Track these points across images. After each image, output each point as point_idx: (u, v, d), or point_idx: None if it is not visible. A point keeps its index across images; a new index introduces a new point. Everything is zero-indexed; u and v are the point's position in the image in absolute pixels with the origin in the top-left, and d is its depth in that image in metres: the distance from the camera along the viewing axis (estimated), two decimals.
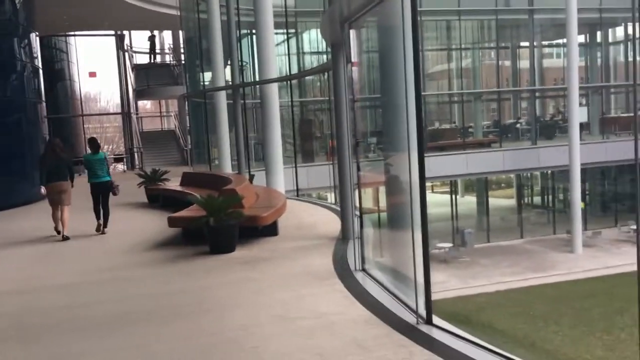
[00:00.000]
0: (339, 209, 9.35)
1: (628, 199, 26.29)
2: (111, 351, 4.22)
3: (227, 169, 16.70)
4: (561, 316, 15.21)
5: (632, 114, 28.61)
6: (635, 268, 18.84)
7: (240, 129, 14.14)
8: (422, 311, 4.22)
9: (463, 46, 27.05)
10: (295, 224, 9.02)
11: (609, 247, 22.00)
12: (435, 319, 4.17)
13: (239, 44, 18.60)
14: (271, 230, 8.08)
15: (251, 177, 13.13)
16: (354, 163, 6.85)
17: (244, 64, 21.23)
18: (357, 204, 7.10)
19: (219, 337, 4.33)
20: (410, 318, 4.29)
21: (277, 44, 22.39)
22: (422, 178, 4.16)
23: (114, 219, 10.05)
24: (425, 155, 4.45)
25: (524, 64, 28.14)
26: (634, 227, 22.88)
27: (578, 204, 21.80)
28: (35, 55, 16.17)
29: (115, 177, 10.73)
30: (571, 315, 15.19)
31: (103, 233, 9.61)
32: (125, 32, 29.96)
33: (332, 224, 8.79)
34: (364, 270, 5.81)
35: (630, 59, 30.34)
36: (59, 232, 9.40)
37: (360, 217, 6.58)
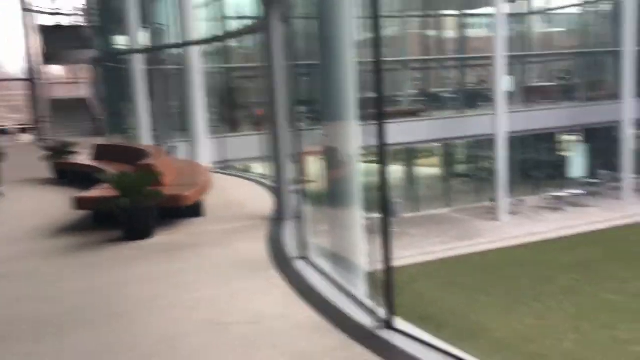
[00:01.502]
0: (270, 183, 8.56)
1: (546, 167, 26.99)
2: None
3: (146, 140, 15.43)
4: (491, 285, 15.23)
5: (552, 84, 29.28)
6: (558, 235, 19.21)
7: (158, 97, 12.95)
8: (381, 312, 3.55)
9: (388, 14, 26.52)
10: (223, 202, 8.14)
11: (532, 214, 22.46)
12: (398, 321, 3.50)
13: (155, 4, 17.12)
14: (195, 210, 7.17)
15: (172, 149, 12.07)
16: (290, 132, 6.08)
17: (162, 26, 19.71)
18: (294, 178, 6.32)
19: (133, 355, 3.49)
20: (368, 321, 3.60)
21: (197, 7, 20.96)
22: (383, 148, 3.44)
23: (11, 198, 8.79)
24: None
25: (448, 33, 28.04)
26: (555, 194, 23.50)
27: (502, 172, 22.03)
28: None
29: (19, 150, 9.52)
30: (500, 285, 15.23)
31: None
32: None
33: (263, 200, 7.99)
34: (305, 257, 5.07)
35: (549, 29, 30.93)
36: None
37: (300, 193, 5.83)
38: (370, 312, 3.62)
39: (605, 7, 29.66)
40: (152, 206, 6.39)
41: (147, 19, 14.15)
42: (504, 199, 22.04)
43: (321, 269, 4.70)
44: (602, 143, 28.21)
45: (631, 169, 23.91)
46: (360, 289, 4.29)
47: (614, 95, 25.28)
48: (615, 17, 27.02)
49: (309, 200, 6.27)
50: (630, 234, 18.88)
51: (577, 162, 24.87)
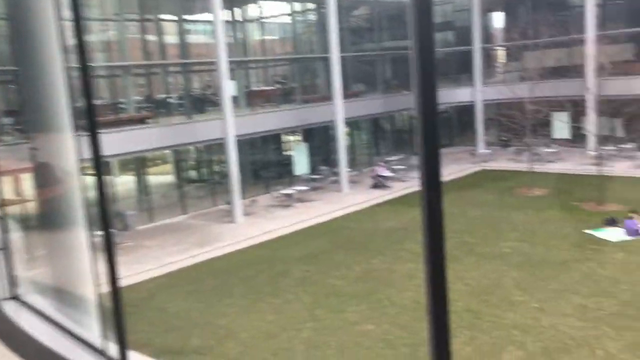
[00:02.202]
0: None
1: (274, 167, 28.56)
2: None
3: None
4: (232, 287, 15.42)
5: (272, 87, 31.01)
6: (290, 230, 20.26)
7: None
8: (113, 350, 3.09)
9: (103, 17, 25.06)
10: None
11: (264, 213, 23.45)
12: (134, 356, 3.09)
13: None
14: None
15: None
16: None
17: None
18: None
19: None
20: None
21: None
22: (98, 159, 2.98)
23: None
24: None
25: (169, 38, 27.70)
26: (284, 192, 24.92)
27: (235, 174, 22.53)
28: None
29: None
30: (241, 285, 15.52)
31: None
32: None
33: None
34: (16, 297, 4.26)
35: (266, 37, 32.72)
36: None
37: (4, 218, 4.90)
38: (100, 353, 3.14)
39: (312, 17, 32.57)
40: None
41: None
42: (238, 201, 22.58)
43: (38, 308, 3.98)
44: (320, 141, 30.91)
45: (346, 163, 26.63)
46: (89, 325, 3.74)
47: (327, 97, 27.88)
48: (321, 27, 29.80)
49: (19, 225, 5.37)
50: (349, 222, 20.97)
51: (300, 161, 26.76)
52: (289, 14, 30.90)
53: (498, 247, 16.45)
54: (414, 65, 1.61)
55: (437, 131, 1.65)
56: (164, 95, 27.88)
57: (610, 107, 20.39)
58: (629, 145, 26.38)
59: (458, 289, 13.68)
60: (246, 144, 26.60)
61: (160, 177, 26.77)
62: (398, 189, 25.60)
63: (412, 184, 26.60)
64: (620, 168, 25.11)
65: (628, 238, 16.18)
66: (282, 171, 28.13)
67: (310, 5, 32.49)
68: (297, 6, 31.58)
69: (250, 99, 28.30)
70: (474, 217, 20.07)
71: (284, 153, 29.90)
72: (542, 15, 28.24)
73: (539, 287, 13.34)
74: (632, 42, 27.41)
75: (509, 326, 11.63)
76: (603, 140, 21.04)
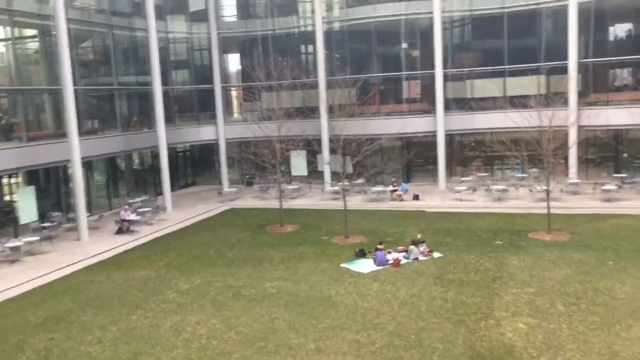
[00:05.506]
0: None
1: None
2: None
3: None
4: None
5: None
6: (22, 290, 16.96)
7: None
8: None
9: None
10: None
11: None
12: None
13: None
14: None
15: None
16: None
17: None
18: None
19: None
20: None
21: None
22: None
23: None
24: None
25: None
26: (9, 244, 21.06)
27: None
28: None
29: None
30: None
31: None
32: None
33: None
34: None
35: None
36: None
37: None
38: None
39: (33, 45, 28.86)
40: None
41: None
42: None
43: None
44: (51, 184, 27.27)
45: (85, 208, 23.81)
46: None
47: (58, 134, 24.77)
48: (48, 56, 26.56)
49: None
50: (95, 275, 18.50)
51: (27, 207, 23.01)
52: (3, 40, 26.73)
53: (263, 288, 16.11)
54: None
55: None
56: None
57: (342, 146, 21.91)
58: (359, 181, 28.85)
59: (230, 339, 12.85)
60: None
61: None
62: (146, 234, 23.78)
63: (160, 226, 25.00)
64: (354, 202, 27.33)
65: (377, 268, 17.34)
66: (3, 220, 23.92)
67: (31, 32, 28.74)
68: (16, 31, 27.59)
69: None
70: (232, 257, 19.52)
71: (6, 199, 25.51)
72: (276, 59, 29.38)
73: (311, 326, 13.26)
74: (354, 86, 30.09)
75: None
76: (337, 176, 22.52)
